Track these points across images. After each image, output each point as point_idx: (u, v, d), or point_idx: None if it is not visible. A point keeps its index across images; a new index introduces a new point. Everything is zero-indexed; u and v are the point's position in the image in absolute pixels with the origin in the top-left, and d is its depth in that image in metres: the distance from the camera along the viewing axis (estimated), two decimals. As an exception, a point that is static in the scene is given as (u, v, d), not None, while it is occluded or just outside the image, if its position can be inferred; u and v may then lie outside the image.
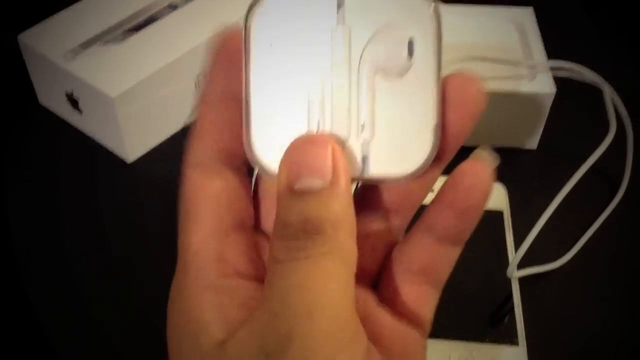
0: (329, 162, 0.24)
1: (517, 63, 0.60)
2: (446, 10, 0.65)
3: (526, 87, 0.58)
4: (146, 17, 0.61)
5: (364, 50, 0.26)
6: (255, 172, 0.29)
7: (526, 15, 0.65)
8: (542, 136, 0.61)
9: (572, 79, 0.60)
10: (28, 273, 0.53)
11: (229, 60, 0.27)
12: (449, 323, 0.48)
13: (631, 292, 0.52)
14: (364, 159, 0.26)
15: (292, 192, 0.24)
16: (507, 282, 0.50)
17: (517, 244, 0.51)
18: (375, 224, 0.29)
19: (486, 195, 0.27)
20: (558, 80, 0.59)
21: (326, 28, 0.26)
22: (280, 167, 0.25)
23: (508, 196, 0.55)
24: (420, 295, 0.29)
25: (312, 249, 0.24)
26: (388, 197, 0.29)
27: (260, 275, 0.28)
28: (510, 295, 0.50)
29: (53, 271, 0.53)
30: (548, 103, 0.58)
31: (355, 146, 0.26)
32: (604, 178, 0.59)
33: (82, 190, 0.58)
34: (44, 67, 0.59)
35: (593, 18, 0.75)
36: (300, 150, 0.25)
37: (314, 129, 0.26)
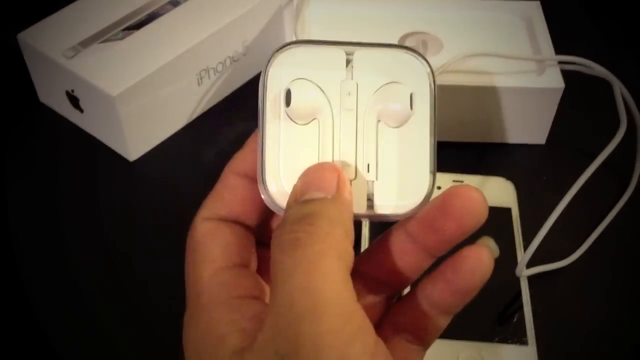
0: (334, 183, 0.27)
1: (525, 58, 0.59)
2: (454, 4, 0.64)
3: (534, 82, 0.57)
4: (147, 14, 0.60)
5: (369, 101, 0.29)
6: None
7: (534, 10, 0.64)
8: (550, 132, 0.60)
9: (580, 74, 0.59)
10: (28, 272, 0.52)
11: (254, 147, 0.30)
12: (457, 323, 0.47)
13: (643, 290, 0.52)
14: (369, 198, 0.29)
15: (298, 202, 0.27)
16: (516, 281, 0.50)
17: (526, 242, 0.50)
18: (369, 294, 0.31)
19: (484, 280, 0.29)
20: (566, 75, 0.58)
21: (336, 81, 0.29)
22: (293, 187, 0.28)
23: (516, 193, 0.55)
24: (407, 353, 0.31)
25: (307, 245, 0.25)
26: (377, 274, 0.31)
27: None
28: (519, 294, 0.49)
29: (54, 270, 0.52)
30: (556, 98, 0.58)
31: (361, 185, 0.29)
32: (613, 174, 0.58)
33: (84, 189, 0.57)
34: (44, 65, 0.59)
35: (601, 12, 0.74)
36: (311, 173, 0.28)
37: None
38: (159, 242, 0.54)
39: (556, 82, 0.57)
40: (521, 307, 0.49)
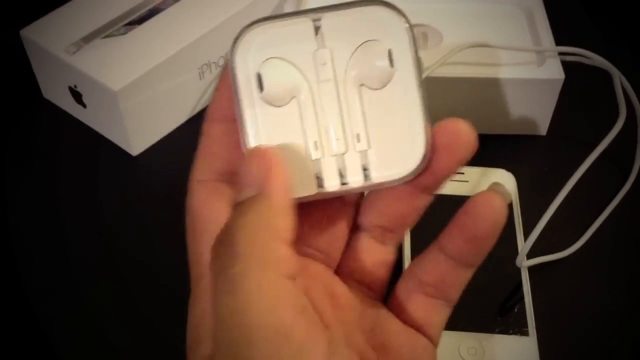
0: (261, 175, 0.25)
1: (525, 49, 0.59)
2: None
3: (534, 73, 0.58)
4: (148, 9, 0.61)
5: (347, 67, 0.27)
6: None
7: (534, 1, 0.64)
8: (551, 123, 0.60)
9: (581, 65, 0.59)
10: (31, 266, 0.52)
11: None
12: (457, 314, 0.47)
13: (643, 280, 0.52)
14: (365, 168, 0.28)
15: (232, 208, 0.26)
16: (517, 272, 0.50)
17: (527, 233, 0.50)
18: (373, 245, 0.31)
19: (497, 226, 0.27)
20: (567, 66, 0.58)
21: (308, 53, 0.27)
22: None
23: (517, 184, 0.55)
24: (430, 307, 0.30)
25: (229, 266, 0.24)
26: (383, 221, 0.30)
27: None
28: (519, 285, 0.49)
29: (57, 264, 0.52)
30: (557, 89, 0.58)
31: (354, 158, 0.28)
32: (614, 164, 0.58)
33: (87, 183, 0.58)
34: (47, 61, 0.59)
35: (601, 2, 0.74)
36: (242, 168, 0.26)
37: (314, 146, 0.27)
38: (162, 236, 0.54)
39: (556, 73, 0.57)
40: (522, 298, 0.49)
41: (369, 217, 0.31)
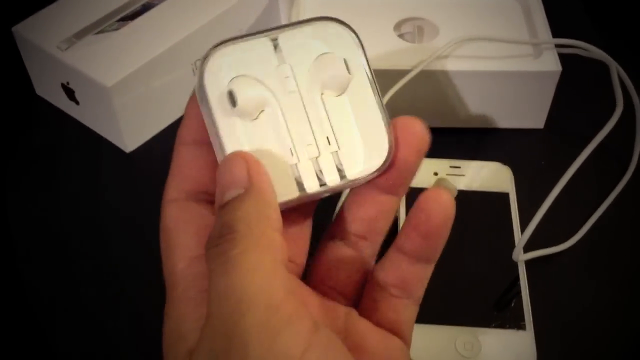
0: (244, 174, 0.27)
1: (521, 42, 0.59)
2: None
3: (531, 65, 0.57)
4: (141, 4, 0.60)
5: (308, 78, 0.30)
6: None
7: (530, -7, 0.63)
8: (549, 116, 0.60)
9: (578, 57, 0.58)
10: (28, 264, 0.52)
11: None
12: (454, 308, 0.47)
13: (641, 273, 0.51)
14: (339, 168, 0.30)
15: (219, 207, 0.27)
16: (514, 266, 0.49)
17: (524, 227, 0.50)
18: (347, 253, 0.32)
19: (447, 220, 0.29)
20: (564, 58, 0.57)
21: (270, 68, 0.29)
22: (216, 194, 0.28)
23: (514, 178, 0.54)
24: (397, 307, 0.31)
25: (229, 250, 0.26)
26: (356, 227, 0.32)
27: None
28: (516, 279, 0.49)
29: (52, 262, 0.52)
30: (554, 81, 0.57)
31: (328, 159, 0.30)
32: (612, 156, 0.58)
33: (81, 181, 0.58)
34: (40, 58, 0.59)
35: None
36: (221, 170, 0.28)
37: (289, 153, 0.29)
38: (156, 232, 0.53)
39: (553, 65, 0.57)
40: (519, 292, 0.48)
41: (342, 225, 0.32)
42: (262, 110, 0.29)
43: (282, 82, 0.29)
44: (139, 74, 0.56)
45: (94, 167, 0.59)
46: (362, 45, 0.30)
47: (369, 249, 0.32)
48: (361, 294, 0.33)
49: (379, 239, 0.32)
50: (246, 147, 0.29)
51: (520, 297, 0.48)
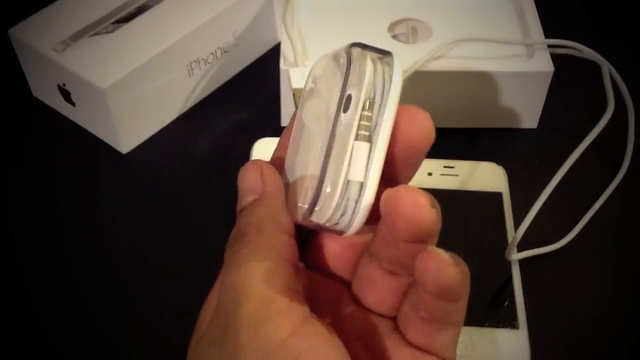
0: (259, 180, 0.30)
1: (514, 42, 0.59)
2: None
3: (524, 66, 0.57)
4: (136, 6, 0.61)
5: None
6: None
7: (523, -7, 0.64)
8: (541, 115, 0.60)
9: (570, 57, 0.59)
10: (25, 265, 0.52)
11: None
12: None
13: (633, 273, 0.52)
14: (312, 207, 0.28)
15: (238, 213, 0.30)
16: (507, 265, 0.50)
17: (517, 226, 0.50)
18: (383, 274, 0.31)
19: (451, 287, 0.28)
20: (556, 58, 0.58)
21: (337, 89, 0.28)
22: None
23: (508, 177, 0.55)
24: (429, 330, 0.30)
25: (238, 251, 0.28)
26: (391, 252, 0.30)
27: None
28: (510, 278, 0.49)
29: (49, 263, 0.52)
30: (546, 82, 0.57)
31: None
32: (605, 156, 0.58)
33: (78, 182, 0.58)
34: (36, 60, 0.59)
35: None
36: (239, 178, 0.30)
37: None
38: (153, 233, 0.54)
39: (545, 65, 0.57)
40: (512, 291, 0.49)
41: (380, 248, 0.31)
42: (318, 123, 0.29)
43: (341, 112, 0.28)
44: (135, 76, 0.56)
45: (91, 168, 0.59)
46: (399, 85, 0.28)
47: (405, 270, 0.30)
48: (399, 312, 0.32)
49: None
50: (296, 166, 0.30)
51: (514, 296, 0.48)
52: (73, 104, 0.59)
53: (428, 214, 0.26)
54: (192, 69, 0.60)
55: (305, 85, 0.31)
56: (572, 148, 0.53)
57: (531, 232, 0.49)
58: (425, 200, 0.26)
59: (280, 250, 0.28)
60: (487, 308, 0.48)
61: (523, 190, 0.54)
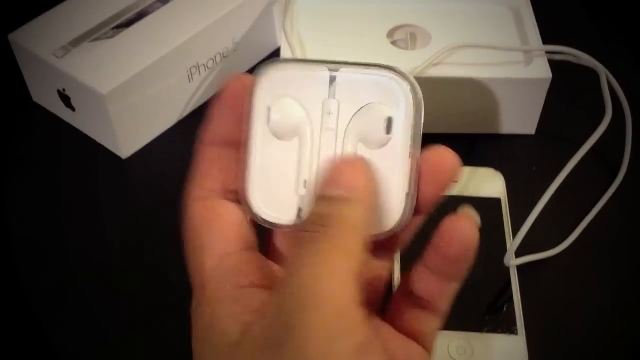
0: (359, 181, 0.28)
1: (512, 48, 0.59)
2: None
3: (522, 72, 0.58)
4: (136, 12, 0.61)
5: (349, 122, 0.29)
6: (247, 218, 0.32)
7: (521, 0, 0.64)
8: (539, 121, 0.60)
9: (568, 63, 0.59)
10: (25, 269, 0.52)
11: (230, 107, 0.30)
12: (446, 313, 0.48)
13: (631, 279, 0.52)
14: None
15: (320, 197, 0.28)
16: (506, 271, 0.50)
17: (515, 232, 0.50)
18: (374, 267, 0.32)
19: (469, 248, 0.29)
20: (554, 65, 0.58)
21: (318, 99, 0.30)
22: (322, 177, 0.29)
23: (506, 183, 0.55)
24: (422, 319, 0.31)
25: (321, 241, 0.27)
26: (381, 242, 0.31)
27: (272, 284, 0.30)
28: (508, 284, 0.49)
29: (49, 268, 0.52)
30: (544, 88, 0.58)
31: None
32: (603, 162, 0.58)
33: (77, 187, 0.58)
34: (35, 65, 0.59)
35: (587, 1, 0.74)
36: (338, 166, 0.28)
37: (301, 184, 0.30)
38: (152, 238, 0.54)
39: (543, 72, 0.57)
40: (510, 296, 0.49)
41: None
42: (296, 136, 0.30)
43: (323, 116, 0.30)
44: (134, 81, 0.56)
45: (90, 173, 0.59)
46: (418, 105, 0.30)
47: (388, 255, 0.33)
48: (381, 300, 0.33)
49: (398, 246, 0.33)
50: (266, 162, 0.30)
51: (512, 301, 0.49)
52: (73, 109, 0.59)
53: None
54: (191, 74, 0.61)
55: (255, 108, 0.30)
56: (570, 154, 0.54)
57: (529, 238, 0.50)
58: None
59: (355, 260, 0.27)
60: (486, 313, 0.48)
61: (521, 196, 0.54)
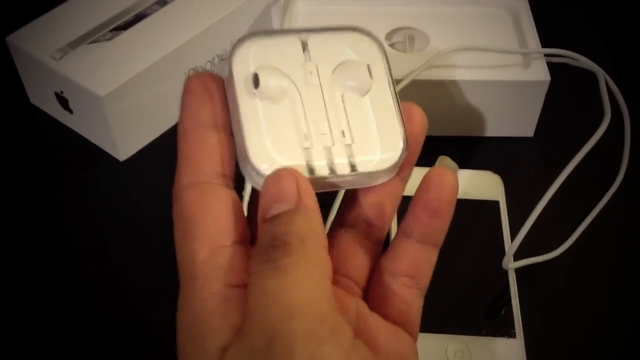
0: (295, 191, 0.28)
1: (511, 51, 0.59)
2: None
3: (520, 75, 0.58)
4: (134, 14, 0.61)
5: (330, 78, 0.31)
6: (248, 189, 0.33)
7: (520, 3, 0.64)
8: (538, 124, 0.60)
9: (566, 66, 0.59)
10: (26, 271, 0.52)
11: (202, 95, 0.30)
12: (445, 316, 0.48)
13: (629, 282, 0.52)
14: (352, 163, 0.30)
15: (266, 220, 0.28)
16: (504, 274, 0.50)
17: (514, 235, 0.50)
18: (359, 239, 0.33)
19: (454, 193, 0.30)
20: (552, 68, 0.58)
21: (297, 64, 0.31)
22: (259, 202, 0.28)
23: (504, 186, 0.55)
24: (407, 298, 0.32)
25: (280, 259, 0.26)
26: (365, 213, 0.32)
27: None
28: (506, 287, 0.49)
29: (48, 269, 0.52)
30: (543, 91, 0.58)
31: (340, 150, 0.30)
32: (601, 165, 0.58)
33: (76, 189, 0.58)
34: (33, 67, 0.59)
35: (586, 3, 0.74)
36: (270, 183, 0.28)
37: (303, 138, 0.30)
38: (149, 240, 0.54)
39: (542, 75, 0.57)
40: (509, 300, 0.49)
41: (351, 212, 0.33)
42: (284, 96, 0.31)
43: (305, 76, 0.31)
44: (132, 84, 0.56)
45: (88, 175, 0.59)
46: (385, 54, 0.32)
47: (379, 235, 0.33)
48: (370, 282, 0.33)
49: (388, 224, 0.33)
50: (263, 128, 0.30)
51: (511, 305, 0.48)
52: (71, 112, 0.59)
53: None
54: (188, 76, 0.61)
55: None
56: (569, 157, 0.54)
57: (528, 241, 0.50)
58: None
59: (322, 266, 0.27)
60: (484, 317, 0.48)
61: (520, 199, 0.54)
